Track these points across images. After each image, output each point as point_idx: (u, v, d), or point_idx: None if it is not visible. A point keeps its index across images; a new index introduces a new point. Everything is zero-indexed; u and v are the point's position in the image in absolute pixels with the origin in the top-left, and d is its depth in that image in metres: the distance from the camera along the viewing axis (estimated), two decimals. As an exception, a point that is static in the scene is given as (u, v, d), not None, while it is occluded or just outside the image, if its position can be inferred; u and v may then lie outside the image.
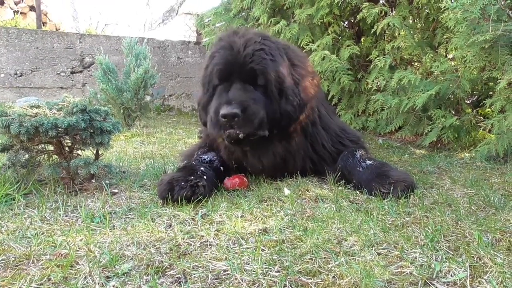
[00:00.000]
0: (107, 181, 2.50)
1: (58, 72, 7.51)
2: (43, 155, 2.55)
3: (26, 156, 2.45)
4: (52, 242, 1.68)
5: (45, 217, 2.00)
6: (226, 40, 2.57)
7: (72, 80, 7.66)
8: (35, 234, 1.77)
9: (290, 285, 1.36)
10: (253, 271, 1.45)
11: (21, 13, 11.51)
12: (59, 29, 12.05)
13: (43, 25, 10.58)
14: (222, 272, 1.46)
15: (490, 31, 3.05)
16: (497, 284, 1.36)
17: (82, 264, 1.50)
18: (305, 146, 2.78)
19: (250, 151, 2.62)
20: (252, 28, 2.77)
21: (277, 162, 2.68)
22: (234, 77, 2.44)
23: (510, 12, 3.19)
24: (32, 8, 11.34)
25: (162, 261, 1.52)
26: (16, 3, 11.63)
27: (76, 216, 2.03)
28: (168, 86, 8.59)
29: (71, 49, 7.58)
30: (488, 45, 3.21)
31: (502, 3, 3.12)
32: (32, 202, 2.22)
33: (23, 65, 7.22)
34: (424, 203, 2.23)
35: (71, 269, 1.46)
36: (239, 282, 1.38)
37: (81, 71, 7.71)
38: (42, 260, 1.53)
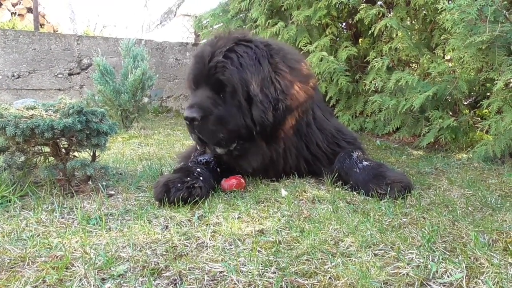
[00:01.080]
0: (103, 183, 2.49)
1: (56, 74, 7.50)
2: (39, 156, 2.54)
3: (22, 158, 2.44)
4: (48, 244, 1.68)
5: (41, 219, 1.99)
6: (201, 48, 2.68)
7: (70, 82, 7.65)
8: (31, 236, 1.77)
9: (287, 286, 1.36)
10: (250, 272, 1.44)
11: (18, 14, 11.50)
12: (57, 31, 12.04)
13: (41, 27, 10.57)
14: (218, 273, 1.45)
15: (487, 32, 3.05)
16: (493, 284, 1.36)
17: (77, 266, 1.49)
18: (299, 147, 2.78)
19: (230, 155, 2.66)
20: (238, 32, 2.70)
21: (263, 164, 2.68)
22: (204, 85, 2.55)
23: (507, 13, 3.18)
24: (29, 10, 11.32)
25: (158, 263, 1.52)
26: (13, 5, 11.62)
27: (72, 218, 2.03)
28: (166, 87, 8.58)
29: (68, 50, 7.57)
30: (485, 46, 3.21)
31: (499, 4, 3.11)
32: (28, 204, 2.21)
33: (20, 67, 7.21)
34: (421, 204, 2.23)
35: (66, 271, 1.46)
36: (235, 284, 1.38)
37: (78, 73, 7.70)
38: (38, 262, 1.52)
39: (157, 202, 2.22)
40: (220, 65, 2.45)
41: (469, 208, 2.18)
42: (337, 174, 2.67)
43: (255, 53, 2.53)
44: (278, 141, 2.67)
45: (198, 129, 2.47)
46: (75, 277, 1.41)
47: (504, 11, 3.14)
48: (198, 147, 2.76)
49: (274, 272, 1.45)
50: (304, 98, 2.67)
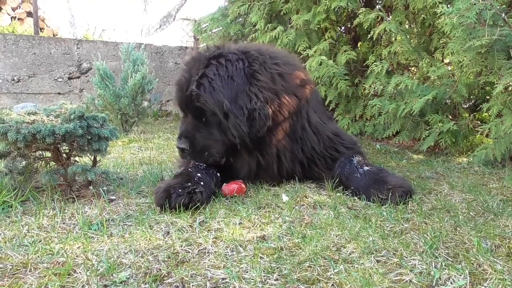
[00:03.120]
0: (104, 188, 2.48)
1: (56, 78, 7.50)
2: (41, 162, 2.53)
3: (23, 163, 2.43)
4: (50, 250, 1.67)
5: (42, 224, 1.98)
6: (179, 75, 2.79)
7: (70, 86, 7.66)
8: (32, 242, 1.76)
9: (289, 293, 1.36)
10: (252, 279, 1.44)
11: (18, 19, 11.49)
12: (57, 35, 12.04)
13: (41, 31, 10.57)
14: (220, 280, 1.45)
15: (486, 36, 3.06)
16: (496, 291, 1.35)
17: (79, 272, 1.49)
18: (294, 150, 2.79)
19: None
20: (212, 48, 2.77)
21: (254, 171, 2.75)
22: (188, 112, 2.74)
23: (505, 17, 3.20)
24: (29, 14, 11.32)
25: (160, 269, 1.51)
26: (13, 9, 11.62)
27: (74, 224, 2.02)
28: (165, 91, 8.59)
29: (68, 54, 7.58)
30: (484, 50, 3.22)
31: (498, 8, 3.13)
32: (29, 210, 2.21)
33: (20, 71, 7.21)
34: (423, 209, 2.23)
35: (68, 277, 1.45)
36: (238, 291, 1.37)
37: (78, 77, 7.71)
38: (40, 268, 1.52)
39: (158, 208, 2.22)
40: (194, 93, 2.56)
41: (471, 213, 2.18)
42: (337, 179, 2.67)
43: (227, 69, 2.56)
44: (266, 148, 2.69)
45: (189, 155, 2.71)
46: (77, 284, 1.40)
47: (503, 15, 3.16)
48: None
49: (277, 279, 1.45)
50: (292, 103, 2.68)
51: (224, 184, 2.59)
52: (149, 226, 1.98)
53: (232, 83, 2.54)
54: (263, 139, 2.65)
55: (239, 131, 2.54)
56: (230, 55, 2.62)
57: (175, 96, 2.83)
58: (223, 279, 1.45)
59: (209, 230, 1.93)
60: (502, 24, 3.15)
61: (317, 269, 1.51)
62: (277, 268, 1.53)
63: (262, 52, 2.74)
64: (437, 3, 3.61)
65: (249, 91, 2.54)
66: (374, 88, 4.53)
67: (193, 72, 2.62)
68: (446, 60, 4.51)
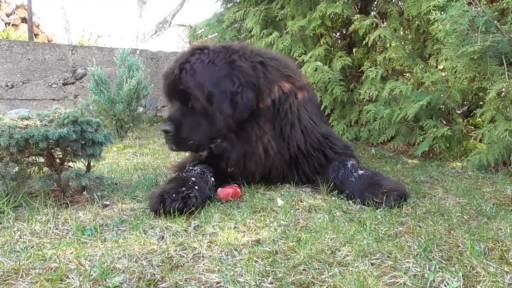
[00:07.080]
0: (98, 193, 2.47)
1: (50, 84, 7.48)
2: (34, 167, 2.52)
3: (16, 168, 2.41)
4: (42, 256, 1.65)
5: (35, 230, 1.97)
6: (167, 66, 2.96)
7: (64, 92, 7.63)
8: (25, 247, 1.74)
9: (284, 297, 1.35)
10: (246, 282, 1.44)
11: (12, 25, 11.46)
12: (51, 41, 12.01)
13: (35, 37, 10.55)
14: (215, 284, 1.44)
15: (479, 42, 3.09)
16: (490, 293, 1.36)
17: (72, 277, 1.47)
18: (281, 149, 2.79)
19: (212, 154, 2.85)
20: (199, 44, 2.92)
21: (243, 158, 2.76)
22: (174, 97, 2.83)
23: (498, 23, 3.23)
24: (24, 20, 11.30)
25: (154, 274, 1.50)
26: (7, 15, 11.59)
27: (67, 229, 2.01)
28: (161, 97, 8.58)
29: (63, 60, 7.57)
30: (477, 56, 3.25)
31: (490, 14, 3.16)
32: (22, 215, 2.19)
33: (14, 76, 7.18)
34: (417, 213, 2.23)
35: (61, 283, 1.44)
36: (232, 295, 1.36)
37: (73, 83, 7.69)
38: (32, 274, 1.50)
39: (153, 213, 2.21)
40: (177, 77, 2.68)
41: (465, 216, 2.19)
42: (332, 183, 2.67)
43: (209, 56, 2.68)
44: (251, 135, 2.71)
45: (172, 140, 2.75)
46: (70, 289, 1.39)
47: (495, 22, 3.19)
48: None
49: (271, 283, 1.45)
50: (273, 93, 2.72)
51: (219, 188, 2.58)
52: (144, 231, 1.96)
53: (213, 67, 2.63)
54: (248, 125, 2.69)
55: (223, 113, 2.59)
56: (212, 47, 2.78)
57: (162, 87, 2.94)
58: (217, 283, 1.45)
59: (203, 234, 1.92)
60: (494, 31, 3.19)
61: (311, 272, 1.51)
62: (271, 271, 1.52)
63: (244, 47, 2.85)
64: (431, 10, 3.65)
65: (231, 75, 2.61)
66: (369, 93, 4.56)
67: (178, 59, 2.79)
68: (440, 66, 4.54)
